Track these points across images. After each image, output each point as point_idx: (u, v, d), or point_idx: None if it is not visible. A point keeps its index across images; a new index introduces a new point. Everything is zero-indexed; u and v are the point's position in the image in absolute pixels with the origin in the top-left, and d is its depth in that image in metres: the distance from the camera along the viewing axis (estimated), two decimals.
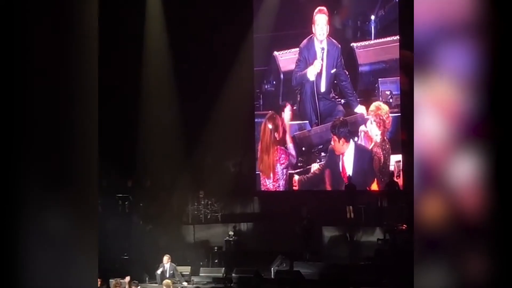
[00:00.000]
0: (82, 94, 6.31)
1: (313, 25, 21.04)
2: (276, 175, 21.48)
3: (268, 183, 21.60)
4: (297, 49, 21.37)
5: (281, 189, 21.48)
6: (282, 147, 21.43)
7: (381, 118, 20.06)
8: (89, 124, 6.32)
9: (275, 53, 21.79)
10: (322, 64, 20.97)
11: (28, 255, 5.77)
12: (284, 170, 21.40)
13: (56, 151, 6.02)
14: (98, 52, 6.53)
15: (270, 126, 21.65)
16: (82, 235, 6.15)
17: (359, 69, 20.71)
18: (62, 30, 6.09)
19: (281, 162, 21.42)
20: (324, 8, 20.94)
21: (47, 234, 5.91)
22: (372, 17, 20.55)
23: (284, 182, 21.41)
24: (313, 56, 21.13)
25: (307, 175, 21.17)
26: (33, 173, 5.80)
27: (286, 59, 21.73)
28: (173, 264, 16.64)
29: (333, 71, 20.86)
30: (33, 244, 5.79)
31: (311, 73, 21.12)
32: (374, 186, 20.21)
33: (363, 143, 20.41)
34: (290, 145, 21.35)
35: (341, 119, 20.52)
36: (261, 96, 22.24)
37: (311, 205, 19.25)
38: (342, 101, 20.87)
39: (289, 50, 21.59)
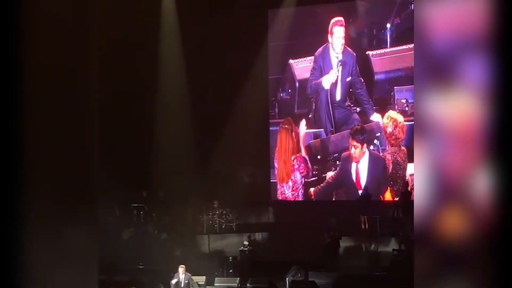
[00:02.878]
0: (82, 106, 6.28)
1: (330, 35, 20.96)
2: (296, 184, 21.42)
3: (287, 193, 21.53)
4: (312, 57, 21.31)
5: (300, 199, 21.42)
6: (302, 156, 21.37)
7: (397, 127, 19.96)
8: (88, 138, 6.29)
9: (291, 61, 21.75)
10: (336, 75, 20.90)
11: (31, 263, 5.76)
12: (303, 180, 21.35)
13: (56, 161, 6.01)
14: (98, 68, 6.48)
15: (287, 126, 21.61)
16: (83, 244, 6.15)
17: (375, 77, 20.65)
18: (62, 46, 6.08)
19: (301, 171, 21.37)
20: (341, 19, 20.85)
21: (48, 243, 5.91)
22: (388, 25, 20.51)
23: (302, 191, 21.36)
24: (328, 65, 21.05)
25: (321, 184, 21.10)
26: (36, 185, 5.79)
27: (302, 67, 21.69)
28: (188, 274, 16.56)
29: (348, 79, 20.80)
30: (35, 252, 5.79)
31: (326, 82, 21.06)
32: (388, 195, 20.11)
33: (378, 152, 20.33)
34: (305, 156, 21.29)
35: (360, 125, 20.41)
36: (276, 105, 22.22)
37: (325, 215, 19.12)
38: (358, 109, 20.81)
39: (305, 59, 21.55)
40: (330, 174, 21.05)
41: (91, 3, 6.43)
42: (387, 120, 20.13)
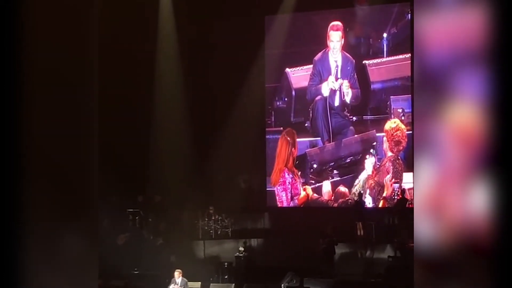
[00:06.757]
0: (83, 111, 6.28)
1: (327, 39, 21.07)
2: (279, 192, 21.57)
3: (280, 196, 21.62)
4: (309, 66, 21.39)
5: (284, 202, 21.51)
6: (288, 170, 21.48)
7: (397, 136, 20.05)
8: (89, 143, 6.28)
9: (287, 69, 21.81)
10: (335, 79, 20.98)
11: (30, 270, 5.74)
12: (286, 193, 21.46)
13: (56, 167, 6.00)
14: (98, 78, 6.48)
15: (289, 139, 21.65)
16: (83, 252, 6.14)
17: (371, 87, 20.74)
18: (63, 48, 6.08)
19: (280, 182, 21.50)
20: (338, 23, 20.97)
21: (47, 250, 5.90)
22: (385, 35, 20.63)
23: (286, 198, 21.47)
24: (327, 70, 21.12)
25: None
26: (35, 190, 5.78)
27: (298, 76, 21.75)
28: (184, 279, 16.47)
29: (347, 85, 20.87)
30: (35, 259, 5.77)
31: (325, 88, 21.11)
32: (385, 203, 20.16)
33: (375, 160, 20.40)
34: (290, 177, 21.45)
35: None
36: (272, 113, 22.24)
37: (321, 221, 19.15)
38: (354, 118, 20.87)
39: (301, 67, 21.62)
40: (326, 183, 21.06)
41: (91, 5, 6.45)
42: (394, 125, 20.19)
